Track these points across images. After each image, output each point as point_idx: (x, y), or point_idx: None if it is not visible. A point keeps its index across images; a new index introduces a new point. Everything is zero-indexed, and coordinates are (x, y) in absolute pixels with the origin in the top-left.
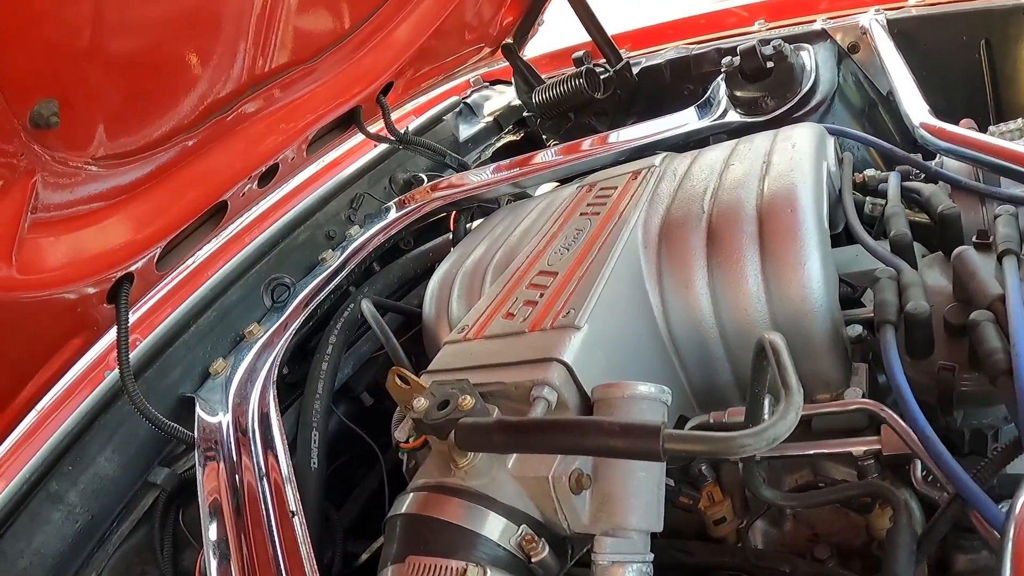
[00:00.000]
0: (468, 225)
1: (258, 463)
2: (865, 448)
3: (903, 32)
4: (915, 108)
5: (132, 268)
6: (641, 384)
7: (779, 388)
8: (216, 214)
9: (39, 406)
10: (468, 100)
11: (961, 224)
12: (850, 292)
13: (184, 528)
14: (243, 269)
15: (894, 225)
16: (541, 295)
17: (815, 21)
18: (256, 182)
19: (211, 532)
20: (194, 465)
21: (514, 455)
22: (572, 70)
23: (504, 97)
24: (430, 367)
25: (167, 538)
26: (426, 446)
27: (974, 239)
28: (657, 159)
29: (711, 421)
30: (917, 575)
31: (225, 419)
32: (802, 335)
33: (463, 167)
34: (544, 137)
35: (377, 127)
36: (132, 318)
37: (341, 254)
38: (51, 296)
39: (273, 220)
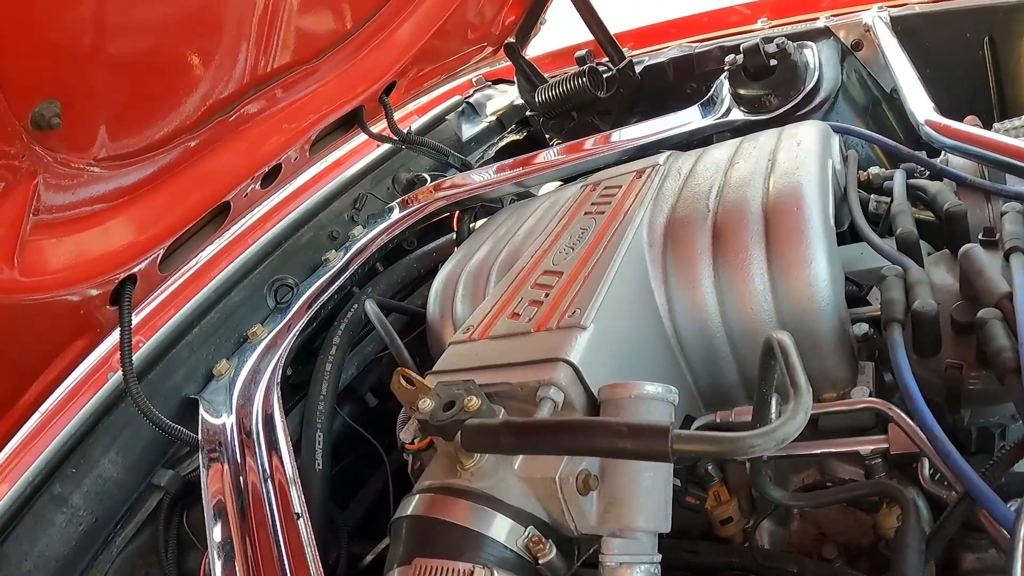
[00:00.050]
0: (472, 225)
1: (262, 465)
2: (872, 447)
3: (906, 29)
4: (920, 105)
5: (135, 270)
6: (648, 384)
7: (787, 387)
8: (219, 215)
9: (42, 408)
10: (471, 99)
11: (967, 222)
12: (856, 290)
13: (188, 530)
14: (246, 270)
15: (900, 223)
16: (546, 295)
17: (818, 19)
18: (259, 183)
19: (215, 534)
20: (198, 467)
21: (520, 456)
22: (575, 69)
23: (507, 96)
24: (435, 368)
25: (171, 540)
26: (431, 447)
27: (980, 236)
28: (661, 158)
29: (718, 421)
30: (925, 574)
31: (229, 421)
32: (809, 334)
33: (466, 167)
34: (547, 136)
35: (380, 127)
36: (135, 320)
37: (344, 254)
38: (54, 298)
39: (276, 221)
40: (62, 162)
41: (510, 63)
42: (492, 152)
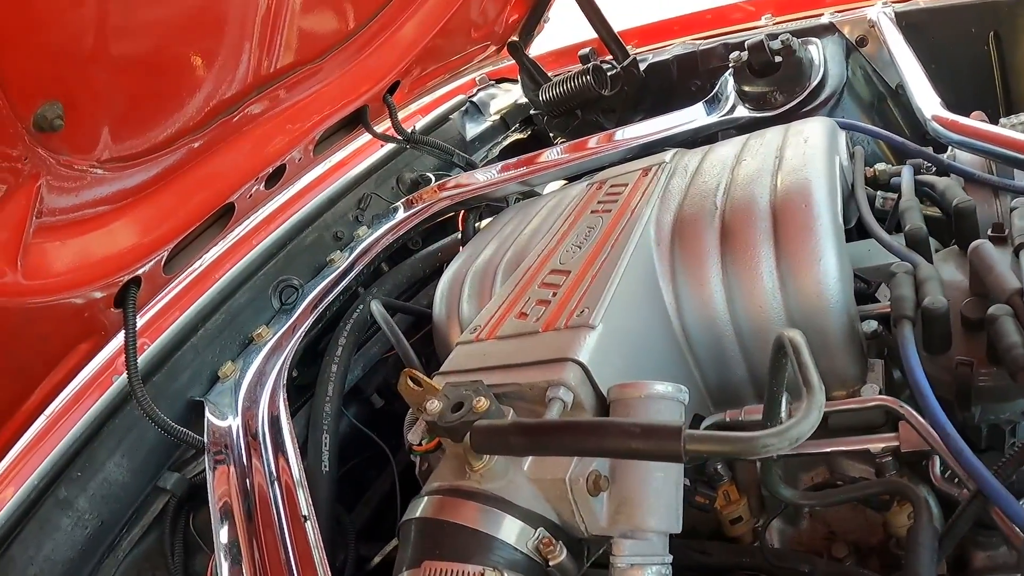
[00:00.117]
0: (477, 224)
1: (269, 467)
2: (883, 445)
3: (911, 25)
4: (927, 101)
5: (139, 272)
6: (658, 383)
7: (798, 386)
8: (223, 216)
9: (47, 412)
10: (474, 99)
11: (976, 217)
12: (864, 287)
13: (195, 533)
14: (251, 271)
15: (909, 219)
16: (554, 294)
17: (822, 15)
18: (263, 183)
19: (222, 536)
20: (204, 470)
21: (530, 457)
22: (578, 67)
23: (510, 95)
24: (443, 368)
25: (178, 543)
26: (439, 448)
27: (990, 232)
28: (667, 155)
29: (727, 420)
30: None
31: (235, 423)
32: (818, 331)
33: (470, 166)
34: (551, 135)
35: (384, 127)
36: (140, 322)
37: (349, 255)
38: (57, 301)
39: (280, 221)
40: (65, 164)
41: (513, 62)
42: (496, 151)
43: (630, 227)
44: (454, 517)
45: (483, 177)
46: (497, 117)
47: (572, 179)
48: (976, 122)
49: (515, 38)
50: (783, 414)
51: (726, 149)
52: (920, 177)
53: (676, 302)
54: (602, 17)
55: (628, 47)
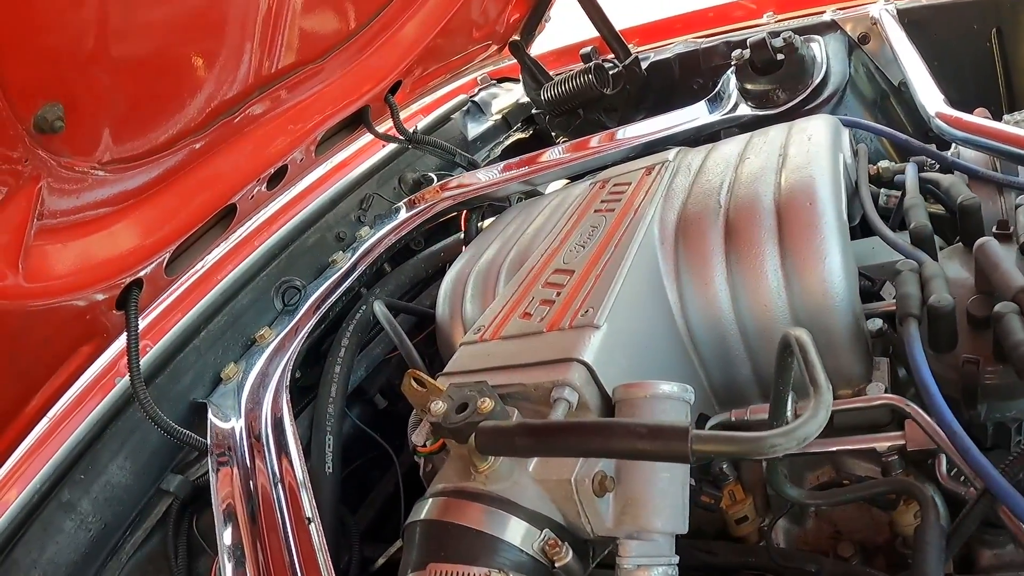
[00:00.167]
0: (479, 224)
1: (272, 468)
2: (889, 444)
3: (913, 22)
4: (930, 98)
5: (141, 274)
6: (663, 383)
7: (804, 385)
8: (225, 217)
9: (50, 414)
10: (476, 98)
11: (981, 215)
12: (869, 285)
13: (198, 535)
14: (253, 273)
15: (914, 217)
16: (558, 294)
17: (824, 12)
18: (265, 184)
19: (226, 538)
20: (207, 472)
21: (535, 458)
22: (580, 66)
23: (512, 95)
24: (447, 369)
25: (181, 546)
26: (444, 450)
27: (995, 229)
28: (670, 154)
29: (732, 419)
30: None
31: (238, 424)
32: (823, 330)
33: (473, 166)
34: (553, 134)
35: (385, 127)
36: (142, 324)
37: (352, 256)
38: (59, 304)
39: (283, 222)
40: (66, 166)
41: (515, 61)
42: (498, 151)
43: (634, 226)
44: (459, 519)
45: (485, 177)
46: (499, 116)
47: (574, 178)
48: (980, 119)
49: (516, 37)
50: (789, 413)
51: (729, 147)
52: (923, 174)
53: (680, 301)
54: (604, 16)
55: (630, 45)
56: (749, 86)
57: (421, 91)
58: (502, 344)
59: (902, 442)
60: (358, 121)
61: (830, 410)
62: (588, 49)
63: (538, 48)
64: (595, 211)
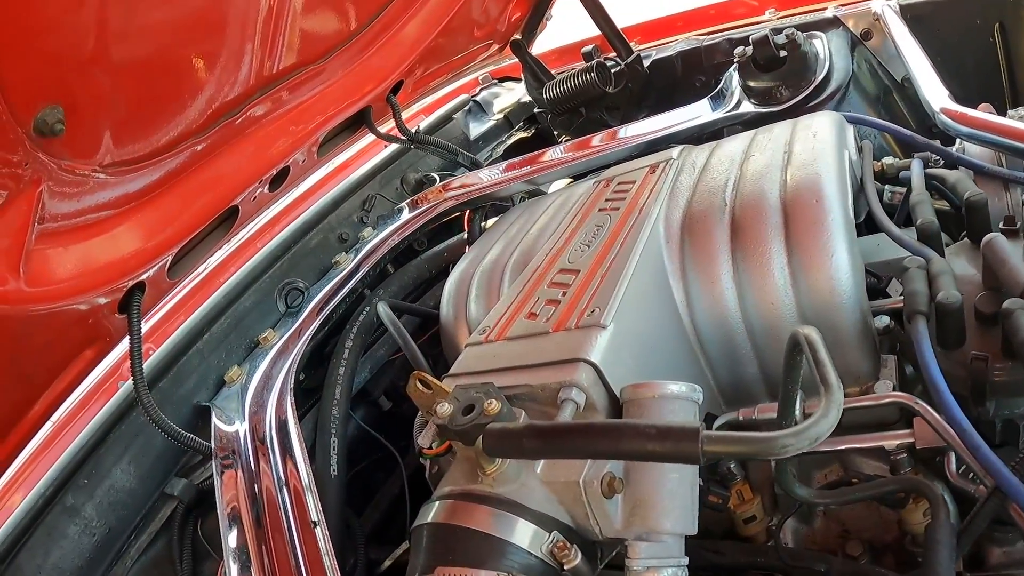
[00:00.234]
0: (482, 224)
1: (277, 471)
2: (898, 442)
3: (916, 17)
4: (935, 94)
5: (143, 277)
6: (672, 383)
7: (813, 383)
8: (227, 219)
9: (53, 419)
10: (477, 98)
11: (988, 211)
12: (875, 282)
13: (203, 539)
14: (256, 275)
15: (921, 213)
16: (564, 294)
17: (827, 8)
18: (267, 186)
19: (231, 542)
20: (212, 475)
21: (543, 460)
22: (582, 65)
23: (513, 94)
24: (452, 370)
25: (186, 550)
26: (450, 452)
27: (1001, 225)
28: (674, 152)
29: (740, 419)
30: None
31: (242, 428)
32: (831, 328)
33: (475, 165)
34: (555, 133)
35: (387, 127)
36: (145, 327)
37: (355, 257)
38: (61, 308)
39: (285, 224)
40: (66, 169)
41: (516, 60)
42: (500, 150)
43: (639, 225)
44: (467, 522)
45: (488, 176)
46: (501, 116)
47: (577, 177)
48: (985, 114)
49: (518, 36)
50: (798, 412)
51: (734, 145)
52: (929, 171)
53: (687, 300)
54: (605, 14)
55: (631, 44)
56: (752, 83)
57: (423, 91)
58: (508, 345)
59: (911, 440)
60: (360, 122)
61: (841, 409)
62: (590, 47)
63: (540, 47)
64: (599, 210)
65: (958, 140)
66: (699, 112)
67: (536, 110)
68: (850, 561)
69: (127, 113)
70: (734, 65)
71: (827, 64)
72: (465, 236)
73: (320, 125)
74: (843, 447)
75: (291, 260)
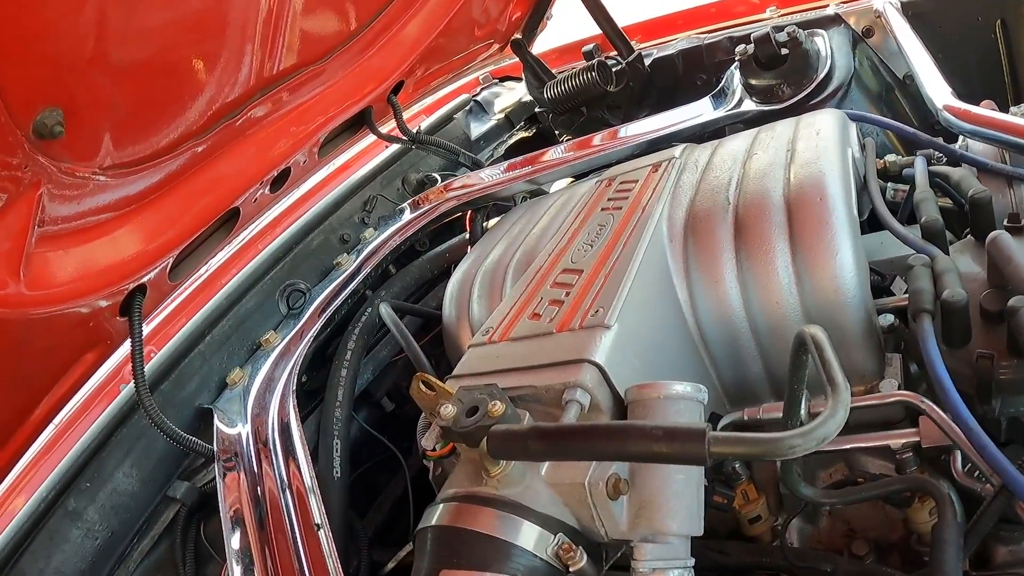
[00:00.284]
0: (484, 224)
1: (280, 473)
2: (904, 441)
3: (917, 14)
4: (937, 91)
5: (144, 279)
6: (676, 384)
7: (821, 383)
8: (228, 221)
9: (54, 422)
10: (478, 97)
11: (992, 208)
12: (879, 281)
13: (206, 542)
14: (257, 276)
15: (925, 211)
16: (567, 294)
17: (828, 6)
18: (268, 187)
19: (234, 544)
20: (214, 478)
21: (547, 461)
22: (582, 64)
23: (514, 93)
24: (455, 371)
25: (189, 553)
26: (454, 453)
27: (1006, 223)
28: (677, 151)
29: (745, 419)
30: None
31: (244, 430)
32: (835, 326)
33: (476, 165)
34: (556, 132)
35: (388, 127)
36: (146, 330)
37: (356, 257)
38: (62, 311)
39: (286, 225)
40: (66, 171)
41: (517, 60)
42: (502, 150)
43: (642, 224)
44: (471, 524)
45: (489, 176)
46: (502, 116)
47: (579, 177)
48: (989, 111)
49: (518, 36)
50: (803, 412)
51: (736, 143)
52: (933, 168)
53: (691, 299)
54: (606, 13)
55: (632, 42)
56: (753, 81)
57: (423, 91)
58: (511, 345)
59: (917, 439)
60: (361, 122)
61: (848, 409)
62: (591, 46)
63: (540, 46)
64: (602, 209)
65: (961, 137)
66: (701, 111)
67: (537, 109)
68: (856, 561)
69: (127, 115)
70: (735, 63)
71: (829, 62)
72: (467, 236)
73: (321, 126)
74: (848, 446)
75: (293, 261)
